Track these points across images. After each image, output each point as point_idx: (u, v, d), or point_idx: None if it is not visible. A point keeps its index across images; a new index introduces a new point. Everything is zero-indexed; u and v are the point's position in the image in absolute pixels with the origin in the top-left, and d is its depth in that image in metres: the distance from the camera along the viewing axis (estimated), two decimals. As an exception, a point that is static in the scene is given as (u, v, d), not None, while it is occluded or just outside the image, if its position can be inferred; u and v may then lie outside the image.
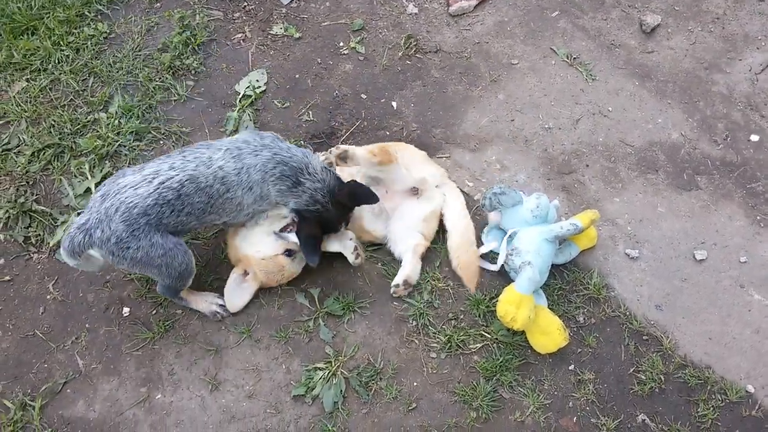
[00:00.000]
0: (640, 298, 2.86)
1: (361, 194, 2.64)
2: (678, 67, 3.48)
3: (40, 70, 3.37)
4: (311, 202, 2.55)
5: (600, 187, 3.13)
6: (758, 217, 3.04)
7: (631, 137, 3.26)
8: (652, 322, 2.81)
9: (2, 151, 3.12)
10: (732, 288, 2.88)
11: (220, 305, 2.75)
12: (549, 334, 2.67)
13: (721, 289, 2.88)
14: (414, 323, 2.78)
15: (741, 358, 2.73)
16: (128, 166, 2.82)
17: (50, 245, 2.91)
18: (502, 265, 2.81)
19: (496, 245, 2.86)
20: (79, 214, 2.74)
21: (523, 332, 2.72)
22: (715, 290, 2.88)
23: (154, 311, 2.78)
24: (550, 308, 2.77)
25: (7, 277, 2.87)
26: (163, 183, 2.38)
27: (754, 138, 3.25)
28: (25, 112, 3.21)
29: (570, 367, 2.72)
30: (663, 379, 2.69)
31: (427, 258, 2.91)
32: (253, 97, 3.30)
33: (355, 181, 2.71)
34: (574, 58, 3.48)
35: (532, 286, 2.63)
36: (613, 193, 3.11)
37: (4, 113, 3.22)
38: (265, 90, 3.35)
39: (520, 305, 2.59)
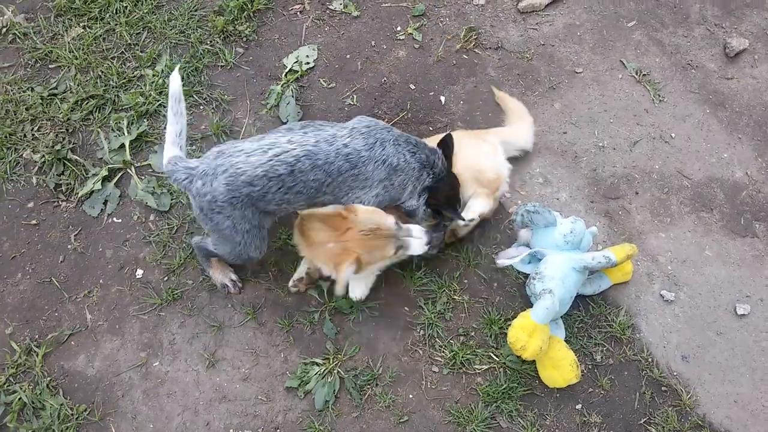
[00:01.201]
0: (667, 345, 2.67)
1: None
2: (758, 100, 3.18)
3: (97, 18, 3.37)
4: (441, 169, 2.53)
5: (646, 218, 2.92)
6: (817, 278, 2.77)
7: (690, 169, 3.01)
8: (675, 374, 2.62)
9: (48, 95, 3.15)
10: (772, 351, 2.66)
11: (232, 280, 2.72)
12: (560, 368, 2.52)
13: (758, 350, 2.66)
14: (421, 332, 2.69)
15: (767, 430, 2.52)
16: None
17: (79, 195, 2.94)
18: (524, 284, 2.67)
19: (517, 260, 2.68)
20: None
21: (533, 361, 2.59)
22: (752, 350, 2.66)
23: (166, 278, 2.78)
24: (567, 341, 2.62)
25: (34, 221, 2.93)
26: (278, 156, 2.26)
27: (830, 190, 2.95)
28: (76, 59, 3.23)
29: (577, 406, 2.58)
30: (675, 436, 2.52)
31: (446, 266, 2.80)
32: (299, 73, 3.22)
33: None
34: (644, 74, 3.23)
35: (549, 316, 2.48)
36: (659, 227, 2.89)
37: (57, 58, 3.25)
38: (313, 67, 3.26)
39: (533, 334, 2.46)
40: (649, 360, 2.63)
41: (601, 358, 2.65)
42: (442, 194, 2.56)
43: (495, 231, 2.89)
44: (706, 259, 2.83)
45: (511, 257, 2.64)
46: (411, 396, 2.58)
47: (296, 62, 3.23)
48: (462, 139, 2.74)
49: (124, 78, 3.19)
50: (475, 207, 2.69)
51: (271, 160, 2.25)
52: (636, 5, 3.42)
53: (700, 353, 2.65)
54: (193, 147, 3.04)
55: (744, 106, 3.16)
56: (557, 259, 2.60)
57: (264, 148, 2.27)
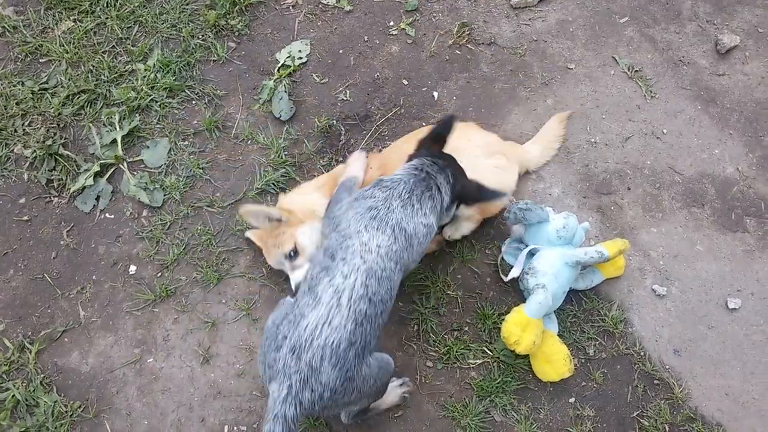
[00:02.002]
0: (659, 339, 2.69)
1: (444, 128, 2.46)
2: (748, 96, 3.20)
3: (88, 12, 3.34)
4: (444, 175, 2.38)
5: (638, 213, 2.93)
6: (806, 273, 2.80)
7: (681, 165, 3.03)
8: (667, 367, 2.64)
9: (39, 90, 3.12)
10: (762, 344, 2.68)
11: (403, 383, 2.54)
12: (553, 362, 2.54)
13: (749, 343, 2.68)
14: (415, 327, 2.70)
15: (758, 421, 2.55)
16: (286, 299, 2.31)
17: (71, 191, 2.92)
18: (518, 280, 2.68)
19: (518, 270, 2.66)
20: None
21: (526, 356, 2.60)
22: (742, 344, 2.68)
23: (159, 274, 2.77)
24: (560, 335, 2.64)
25: (26, 217, 2.90)
26: (352, 298, 2.03)
27: (819, 185, 2.98)
28: (67, 53, 3.20)
29: (570, 400, 2.60)
30: (667, 429, 2.54)
31: (440, 262, 2.81)
32: (292, 67, 3.21)
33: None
34: (636, 70, 3.24)
35: (542, 311, 2.50)
36: (651, 222, 2.91)
37: (47, 52, 3.22)
38: (306, 62, 3.25)
39: (526, 329, 2.48)
40: (642, 354, 2.65)
41: (594, 352, 2.67)
42: (469, 196, 2.46)
43: (488, 227, 2.90)
44: (697, 253, 2.85)
45: (515, 271, 2.64)
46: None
47: (289, 57, 3.22)
48: (476, 142, 2.75)
49: (116, 72, 3.16)
50: (462, 230, 2.77)
51: (350, 307, 2.03)
52: (628, 1, 3.43)
53: (692, 347, 2.68)
54: (186, 142, 3.03)
55: (735, 103, 3.18)
56: (550, 254, 2.61)
57: (332, 302, 2.03)
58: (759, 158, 3.04)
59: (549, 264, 2.58)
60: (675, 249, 2.86)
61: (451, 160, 2.46)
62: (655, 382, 2.62)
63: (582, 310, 2.73)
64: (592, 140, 3.09)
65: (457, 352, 2.64)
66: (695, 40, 3.35)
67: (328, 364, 1.98)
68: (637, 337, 2.69)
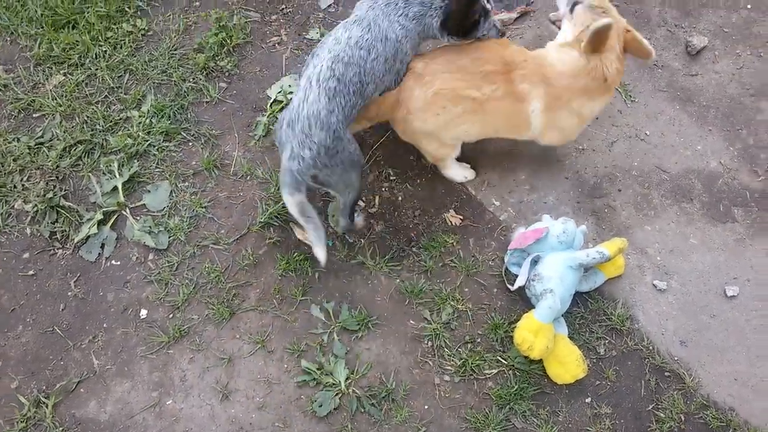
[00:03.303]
0: (665, 332, 2.77)
1: None
2: (722, 92, 3.35)
3: (77, 65, 3.40)
4: (442, 6, 2.62)
5: (631, 213, 3.03)
6: (797, 255, 2.91)
7: (667, 163, 3.15)
8: (676, 359, 2.72)
9: (35, 145, 3.16)
10: (763, 328, 2.77)
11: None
12: (566, 364, 2.60)
13: (751, 328, 2.77)
14: (429, 344, 2.75)
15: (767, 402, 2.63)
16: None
17: (75, 241, 2.94)
18: (524, 288, 2.75)
19: (524, 278, 2.74)
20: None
21: (540, 361, 2.66)
22: (744, 329, 2.77)
23: (171, 315, 2.80)
24: (570, 337, 2.71)
25: (31, 272, 2.92)
26: (320, 79, 2.47)
27: (799, 171, 3.11)
28: (60, 106, 3.25)
29: (587, 400, 2.65)
30: (683, 418, 2.60)
31: (446, 278, 2.87)
32: (284, 102, 3.28)
33: None
34: (613, 77, 3.37)
35: (552, 315, 2.57)
36: (644, 221, 3.01)
37: (40, 107, 3.27)
38: (295, 95, 3.33)
39: (538, 334, 2.54)
40: (650, 348, 2.73)
41: (605, 350, 2.73)
42: (452, 24, 2.66)
43: (489, 239, 2.98)
44: (691, 246, 2.95)
45: (520, 280, 2.73)
46: (426, 407, 2.62)
47: (280, 92, 3.30)
48: None
49: (111, 121, 3.22)
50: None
51: (320, 86, 2.46)
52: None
53: (697, 337, 2.76)
54: (186, 183, 3.08)
55: (710, 100, 3.32)
56: (553, 259, 2.69)
57: (307, 85, 2.49)
58: (739, 150, 3.17)
59: (553, 269, 2.66)
60: (670, 244, 2.95)
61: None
62: (666, 374, 2.69)
63: (589, 311, 2.80)
64: (580, 147, 3.19)
65: (472, 363, 2.69)
66: (666, 44, 3.50)
67: (316, 128, 2.45)
68: (643, 332, 2.76)
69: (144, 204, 3.03)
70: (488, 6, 2.68)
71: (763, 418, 2.59)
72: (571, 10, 2.76)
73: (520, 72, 2.68)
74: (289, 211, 2.68)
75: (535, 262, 2.74)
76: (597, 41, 2.58)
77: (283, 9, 3.63)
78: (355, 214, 2.94)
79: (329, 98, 2.46)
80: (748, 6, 3.57)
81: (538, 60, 2.73)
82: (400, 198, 3.09)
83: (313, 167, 2.51)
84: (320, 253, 2.69)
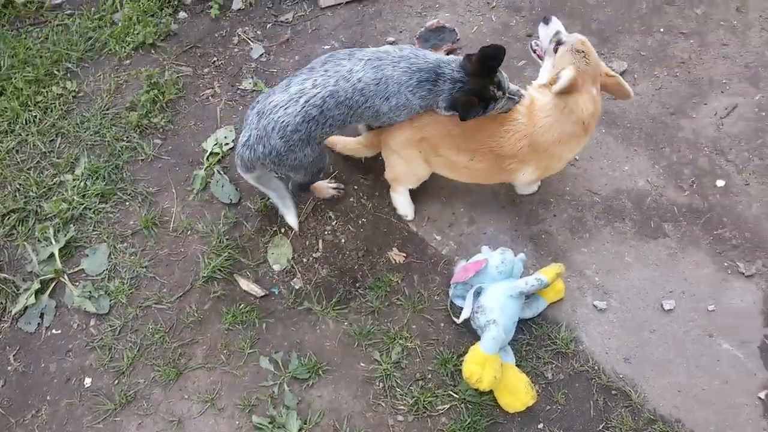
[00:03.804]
0: (609, 351, 2.85)
1: (489, 53, 2.60)
2: (644, 114, 3.50)
3: (7, 131, 3.37)
4: (453, 85, 2.63)
5: (567, 237, 3.13)
6: (725, 264, 3.03)
7: (597, 185, 3.27)
8: (621, 376, 2.79)
9: (-34, 217, 3.11)
10: (700, 338, 2.87)
11: (332, 187, 3.16)
12: (516, 393, 2.65)
13: (689, 339, 2.87)
14: (381, 385, 2.76)
15: (710, 411, 2.70)
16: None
17: (12, 313, 2.88)
18: (469, 320, 2.79)
19: (469, 310, 2.79)
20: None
21: (491, 392, 2.70)
22: (683, 341, 2.86)
23: (116, 381, 2.75)
24: (518, 364, 2.76)
25: (-32, 348, 2.84)
26: (308, 101, 2.55)
27: (720, 183, 3.25)
28: (-9, 176, 3.21)
29: (539, 426, 2.69)
30: (633, 435, 2.67)
31: (393, 317, 2.90)
32: (220, 154, 3.30)
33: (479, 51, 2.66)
34: (540, 106, 3.50)
35: (497, 346, 2.61)
36: (580, 243, 3.11)
37: (-30, 178, 3.22)
38: (233, 147, 3.35)
39: (485, 365, 2.57)
40: (596, 368, 2.79)
41: (552, 375, 2.79)
42: (460, 102, 2.64)
43: (433, 274, 3.02)
44: (627, 264, 3.05)
45: (465, 312, 2.78)
46: (382, 449, 2.63)
47: (216, 144, 3.31)
48: None
49: (44, 187, 3.18)
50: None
51: (303, 107, 2.55)
52: (522, 45, 3.71)
53: (640, 353, 2.84)
54: (125, 244, 3.05)
55: (633, 121, 3.46)
56: (494, 290, 2.75)
57: (294, 97, 2.56)
58: (664, 168, 3.31)
59: (494, 299, 2.71)
60: (606, 264, 3.05)
61: (475, 81, 2.61)
62: (613, 392, 2.75)
63: (533, 337, 2.86)
64: (513, 176, 3.29)
65: (424, 401, 2.71)
66: (587, 70, 3.65)
67: (276, 134, 2.58)
68: (588, 353, 2.83)
69: (82, 269, 2.99)
70: (498, 93, 2.67)
71: (707, 427, 2.67)
72: (555, 49, 2.81)
73: (509, 151, 2.78)
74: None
75: (477, 293, 2.79)
76: (566, 90, 2.68)
77: (215, 61, 3.67)
78: (328, 184, 3.16)
79: (303, 120, 2.57)
80: (661, 29, 3.76)
81: (528, 130, 2.77)
82: (343, 240, 3.12)
83: (260, 161, 2.68)
84: (291, 219, 2.89)
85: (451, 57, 2.71)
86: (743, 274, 2.99)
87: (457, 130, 2.77)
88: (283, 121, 2.56)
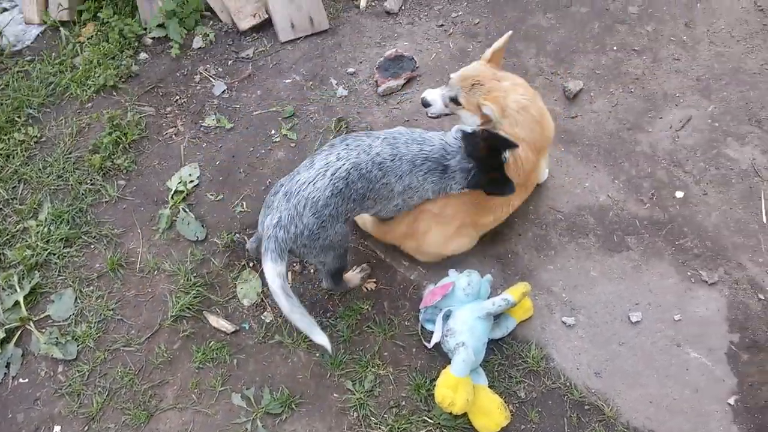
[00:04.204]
0: (580, 366, 2.87)
1: (499, 142, 2.73)
2: (602, 130, 3.58)
3: (-32, 180, 3.35)
4: (465, 172, 2.72)
5: (533, 255, 3.17)
6: (689, 273, 3.08)
7: (560, 203, 3.32)
8: (593, 391, 2.81)
9: (-72, 269, 3.07)
10: (668, 348, 2.90)
11: (361, 269, 3.10)
12: (489, 414, 2.65)
13: (657, 350, 2.90)
14: (355, 414, 2.75)
15: (682, 420, 2.73)
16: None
17: (-22, 365, 2.84)
18: (440, 344, 2.80)
19: (439, 334, 2.80)
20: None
21: (465, 414, 2.70)
22: (651, 352, 2.90)
23: (86, 428, 2.71)
24: (491, 385, 2.77)
25: (-67, 403, 2.79)
26: (335, 174, 2.56)
27: (679, 194, 3.32)
28: (-48, 226, 3.18)
29: (515, 446, 2.70)
30: (607, 449, 2.68)
31: (365, 345, 2.90)
32: (185, 192, 3.31)
33: (485, 131, 2.78)
34: (500, 128, 3.56)
35: (467, 368, 2.62)
36: (546, 261, 3.15)
37: (-69, 229, 3.19)
38: (198, 184, 3.37)
39: (457, 389, 2.58)
40: (567, 384, 2.81)
41: (525, 393, 2.80)
42: (487, 185, 2.77)
43: (402, 300, 3.04)
44: (593, 279, 3.09)
45: (436, 336, 2.78)
46: (358, 480, 2.61)
47: (180, 182, 3.32)
48: None
49: (7, 234, 3.16)
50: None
51: (331, 179, 2.56)
52: (479, 70, 3.80)
53: (610, 366, 2.87)
54: (91, 288, 3.03)
55: (592, 138, 3.54)
56: (462, 312, 2.77)
57: (321, 171, 2.57)
58: (624, 182, 3.38)
59: (463, 322, 2.73)
60: (573, 280, 3.09)
61: (488, 162, 2.73)
62: (586, 407, 2.77)
63: (505, 356, 2.88)
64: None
65: (399, 428, 2.70)
66: (545, 91, 3.73)
67: (309, 211, 2.53)
68: (559, 369, 2.85)
69: (49, 315, 2.97)
70: (505, 156, 2.79)
71: (680, 436, 2.70)
72: (456, 102, 2.90)
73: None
74: (268, 285, 2.55)
75: (447, 317, 2.81)
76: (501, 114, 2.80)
77: (177, 100, 3.69)
78: (355, 271, 3.10)
79: (332, 194, 2.55)
80: (614, 48, 3.86)
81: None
82: (312, 270, 3.13)
83: (293, 242, 2.58)
84: (320, 339, 2.58)
85: (453, 142, 2.75)
86: (706, 282, 3.04)
87: (466, 196, 2.87)
88: (314, 197, 2.53)
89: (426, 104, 2.96)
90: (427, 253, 3.03)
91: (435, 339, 2.78)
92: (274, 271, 2.52)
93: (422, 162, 2.69)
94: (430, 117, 3.07)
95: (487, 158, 2.72)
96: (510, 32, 2.94)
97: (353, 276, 3.07)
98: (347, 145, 2.64)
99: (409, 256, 3.15)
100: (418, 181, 2.71)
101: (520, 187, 2.94)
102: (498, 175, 2.75)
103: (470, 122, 2.91)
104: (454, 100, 2.88)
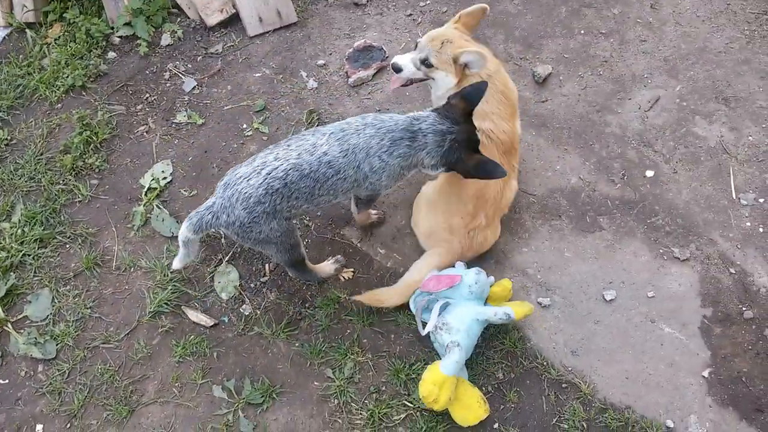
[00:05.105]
0: (556, 345, 2.91)
1: (472, 92, 2.61)
2: (572, 113, 3.62)
3: (-62, 186, 3.32)
4: (442, 137, 2.59)
5: (508, 238, 3.20)
6: (661, 251, 3.13)
7: (532, 186, 3.36)
8: (570, 369, 2.85)
9: None
10: (643, 324, 2.95)
11: (335, 260, 3.10)
12: (469, 407, 2.65)
13: (632, 326, 2.95)
14: (336, 402, 2.77)
15: (658, 394, 2.78)
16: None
17: (-45, 369, 2.82)
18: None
19: (432, 324, 2.77)
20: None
21: (445, 399, 2.72)
22: (626, 329, 2.95)
23: (68, 425, 2.71)
24: (469, 367, 2.80)
25: None
26: (270, 173, 2.53)
27: (649, 173, 3.37)
28: (-76, 231, 3.15)
29: (495, 426, 2.73)
30: (585, 426, 2.72)
31: (344, 333, 2.92)
32: (158, 189, 3.31)
33: (456, 92, 2.68)
34: (472, 114, 3.59)
35: (458, 369, 2.60)
36: (520, 244, 3.19)
37: None
38: (171, 180, 3.36)
39: (443, 386, 2.56)
40: (545, 364, 2.85)
41: (503, 374, 2.84)
42: (465, 163, 2.64)
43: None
44: (567, 260, 3.13)
45: (430, 325, 2.74)
46: (340, 466, 2.63)
47: (153, 180, 3.32)
48: None
49: (-20, 238, 3.14)
50: None
51: (265, 179, 2.53)
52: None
53: (586, 344, 2.91)
54: (68, 287, 3.02)
55: (562, 121, 3.58)
56: (463, 310, 2.73)
57: (258, 169, 2.55)
58: (594, 163, 3.42)
59: (462, 321, 2.69)
60: (547, 261, 3.13)
61: (464, 128, 2.61)
62: (564, 385, 2.81)
63: (482, 339, 2.90)
64: (451, 185, 3.36)
65: (380, 413, 2.72)
66: (515, 77, 3.76)
67: (239, 205, 2.54)
68: (536, 349, 2.89)
69: (26, 315, 2.96)
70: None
71: (656, 410, 2.74)
72: (426, 65, 2.83)
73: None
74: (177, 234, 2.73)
75: (443, 308, 2.77)
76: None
77: (147, 98, 3.68)
78: (329, 261, 3.11)
79: (267, 192, 2.53)
80: (582, 31, 3.91)
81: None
82: (289, 262, 3.14)
83: (225, 228, 2.63)
84: (176, 264, 2.78)
85: (423, 113, 2.67)
86: (678, 258, 3.10)
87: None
88: (246, 193, 2.53)
89: (397, 69, 2.87)
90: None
91: (429, 327, 2.76)
92: (185, 236, 2.66)
93: (382, 138, 2.58)
94: (401, 86, 2.99)
95: (466, 119, 2.61)
96: (484, 5, 2.84)
97: (325, 266, 3.08)
98: (288, 145, 2.60)
99: (384, 244, 3.17)
100: (383, 160, 2.59)
101: (510, 153, 2.94)
102: (486, 159, 2.63)
103: (445, 84, 2.84)
104: (425, 62, 2.81)
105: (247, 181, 2.53)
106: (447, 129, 2.58)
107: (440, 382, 2.57)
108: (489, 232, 3.00)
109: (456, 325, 2.69)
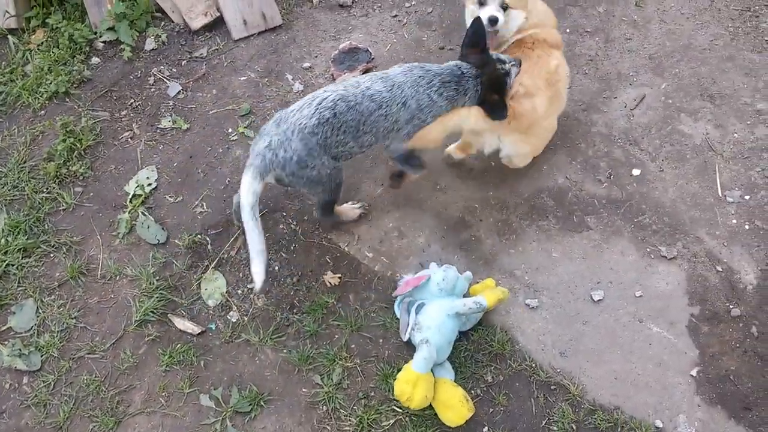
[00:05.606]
0: (545, 347, 2.91)
1: (473, 36, 2.86)
2: (558, 112, 3.61)
3: None
4: (476, 81, 2.85)
5: (495, 240, 3.20)
6: (648, 249, 3.13)
7: (519, 187, 3.35)
8: (558, 371, 2.85)
9: None
10: (631, 324, 2.95)
11: (360, 205, 3.23)
12: (453, 408, 2.64)
13: (620, 326, 2.95)
14: (324, 408, 2.76)
15: (647, 394, 2.78)
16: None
17: (-61, 382, 2.79)
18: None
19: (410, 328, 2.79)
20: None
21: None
22: (614, 329, 2.95)
23: (53, 437, 2.69)
24: (457, 370, 2.79)
25: None
26: (320, 104, 2.67)
27: (636, 172, 3.37)
28: None
29: (484, 429, 2.73)
30: (575, 427, 2.71)
31: (331, 338, 2.91)
32: (144, 195, 3.28)
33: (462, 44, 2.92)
34: (458, 115, 3.58)
35: (428, 365, 2.61)
36: (508, 245, 3.18)
37: None
38: (156, 186, 3.34)
39: (416, 385, 2.57)
40: (533, 366, 2.85)
41: (492, 377, 2.83)
42: (489, 108, 2.90)
43: (368, 291, 3.04)
44: (554, 261, 3.13)
45: (409, 328, 2.76)
46: (329, 473, 2.62)
47: (138, 186, 3.29)
48: None
49: (-37, 248, 3.11)
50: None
51: (317, 108, 2.66)
52: (437, 58, 3.79)
53: (574, 345, 2.91)
54: (52, 297, 3.00)
55: (548, 121, 3.57)
56: (433, 308, 2.75)
57: (308, 101, 2.70)
58: (581, 163, 3.42)
59: (432, 318, 2.71)
60: (535, 262, 3.13)
61: (488, 69, 2.87)
62: (552, 387, 2.81)
63: (471, 342, 2.90)
64: (438, 187, 3.35)
65: (368, 419, 2.71)
66: (501, 76, 3.75)
67: (296, 137, 2.64)
68: (524, 351, 2.89)
69: (10, 327, 2.93)
70: (508, 66, 2.93)
71: (645, 410, 2.74)
72: (503, 7, 2.99)
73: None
74: (240, 199, 2.68)
75: (417, 309, 2.78)
76: None
77: (132, 103, 3.65)
78: (354, 204, 3.25)
79: (319, 122, 2.66)
80: (567, 30, 3.90)
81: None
82: (276, 267, 3.13)
83: (281, 168, 2.67)
84: (255, 268, 2.66)
85: (454, 62, 2.91)
86: (666, 257, 3.10)
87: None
88: (301, 123, 2.65)
89: (495, 20, 2.99)
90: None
91: (406, 331, 2.76)
92: (251, 186, 2.65)
93: (432, 79, 2.79)
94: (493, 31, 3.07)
95: (483, 59, 2.86)
96: None
97: (349, 209, 3.21)
98: (337, 84, 2.76)
99: (371, 248, 3.16)
100: (431, 99, 2.80)
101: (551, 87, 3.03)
102: (497, 99, 2.88)
103: (517, 22, 3.06)
104: (503, 6, 2.99)
105: (300, 112, 2.67)
106: (477, 73, 2.85)
107: (413, 381, 2.57)
108: (537, 101, 3.01)
109: (426, 323, 2.71)
